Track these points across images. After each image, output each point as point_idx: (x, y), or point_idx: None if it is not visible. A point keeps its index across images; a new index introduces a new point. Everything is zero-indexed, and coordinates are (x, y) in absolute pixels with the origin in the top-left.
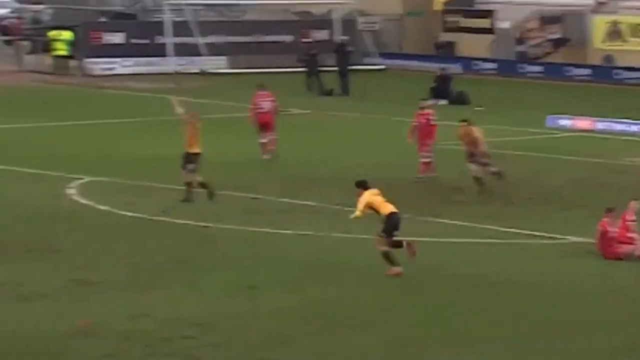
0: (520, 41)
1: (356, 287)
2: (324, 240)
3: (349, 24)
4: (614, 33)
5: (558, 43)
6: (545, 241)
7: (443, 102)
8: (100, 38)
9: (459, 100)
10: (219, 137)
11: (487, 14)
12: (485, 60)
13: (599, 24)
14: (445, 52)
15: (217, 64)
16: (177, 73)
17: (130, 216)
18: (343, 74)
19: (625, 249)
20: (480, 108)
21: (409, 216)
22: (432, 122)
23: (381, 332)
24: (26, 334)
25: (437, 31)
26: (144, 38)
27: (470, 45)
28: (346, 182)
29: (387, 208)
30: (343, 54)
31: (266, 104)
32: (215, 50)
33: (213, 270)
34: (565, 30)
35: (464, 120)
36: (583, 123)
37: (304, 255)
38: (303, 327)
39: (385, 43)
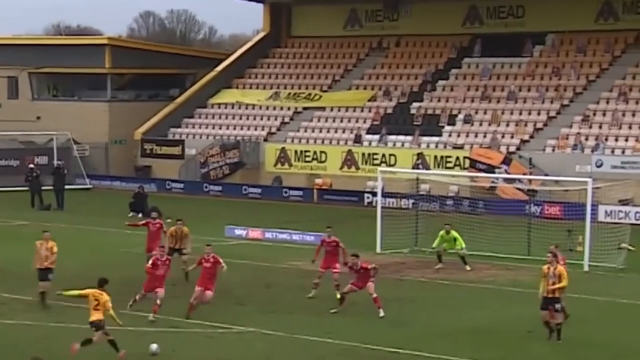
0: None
1: None
2: (40, 329)
3: (65, 151)
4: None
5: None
6: (221, 330)
7: (140, 216)
8: None
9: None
10: None
11: (177, 143)
12: (175, 181)
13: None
14: (143, 174)
15: None
16: None
17: None
18: (59, 192)
19: None
20: (170, 221)
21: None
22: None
23: None
24: None
25: (136, 156)
26: None
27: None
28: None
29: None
30: (60, 175)
31: None
32: None
33: None
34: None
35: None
36: (255, 233)
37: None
38: None
39: (94, 166)
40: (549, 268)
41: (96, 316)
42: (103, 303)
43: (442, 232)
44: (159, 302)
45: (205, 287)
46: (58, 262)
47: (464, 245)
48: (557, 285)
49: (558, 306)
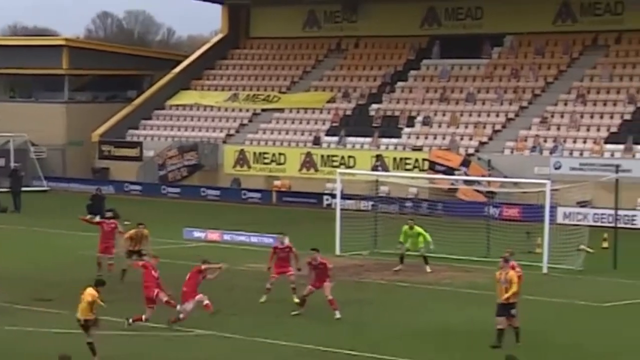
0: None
1: None
2: None
3: (21, 152)
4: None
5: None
6: (181, 333)
7: (97, 218)
8: None
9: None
10: None
11: (135, 144)
12: (132, 182)
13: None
14: (101, 175)
15: None
16: None
17: None
18: (16, 194)
19: None
20: (127, 223)
21: (67, 312)
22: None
23: None
24: None
25: (94, 158)
26: None
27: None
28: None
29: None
30: (16, 177)
31: None
32: None
33: None
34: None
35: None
36: (213, 235)
37: None
38: None
39: (51, 168)
40: (500, 273)
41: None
42: (82, 299)
43: (405, 227)
44: (144, 317)
45: (192, 298)
46: (14, 264)
47: (429, 239)
48: (509, 293)
49: (513, 311)
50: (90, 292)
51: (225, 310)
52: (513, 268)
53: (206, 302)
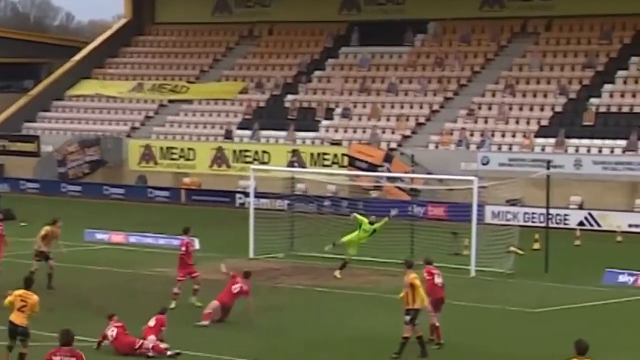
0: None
1: None
2: None
3: None
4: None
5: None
6: (80, 344)
7: None
8: None
9: (6, 216)
10: None
11: (32, 138)
12: (29, 180)
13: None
14: None
15: None
16: None
17: None
18: None
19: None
20: (24, 224)
21: None
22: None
23: None
24: None
25: None
26: None
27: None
28: None
29: None
30: None
31: None
32: None
33: None
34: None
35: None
36: (117, 237)
37: None
38: None
39: None
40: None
41: (20, 319)
42: (31, 305)
43: (365, 219)
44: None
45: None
46: None
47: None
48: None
49: (406, 317)
50: (35, 297)
51: (131, 318)
52: (430, 273)
53: (164, 346)
